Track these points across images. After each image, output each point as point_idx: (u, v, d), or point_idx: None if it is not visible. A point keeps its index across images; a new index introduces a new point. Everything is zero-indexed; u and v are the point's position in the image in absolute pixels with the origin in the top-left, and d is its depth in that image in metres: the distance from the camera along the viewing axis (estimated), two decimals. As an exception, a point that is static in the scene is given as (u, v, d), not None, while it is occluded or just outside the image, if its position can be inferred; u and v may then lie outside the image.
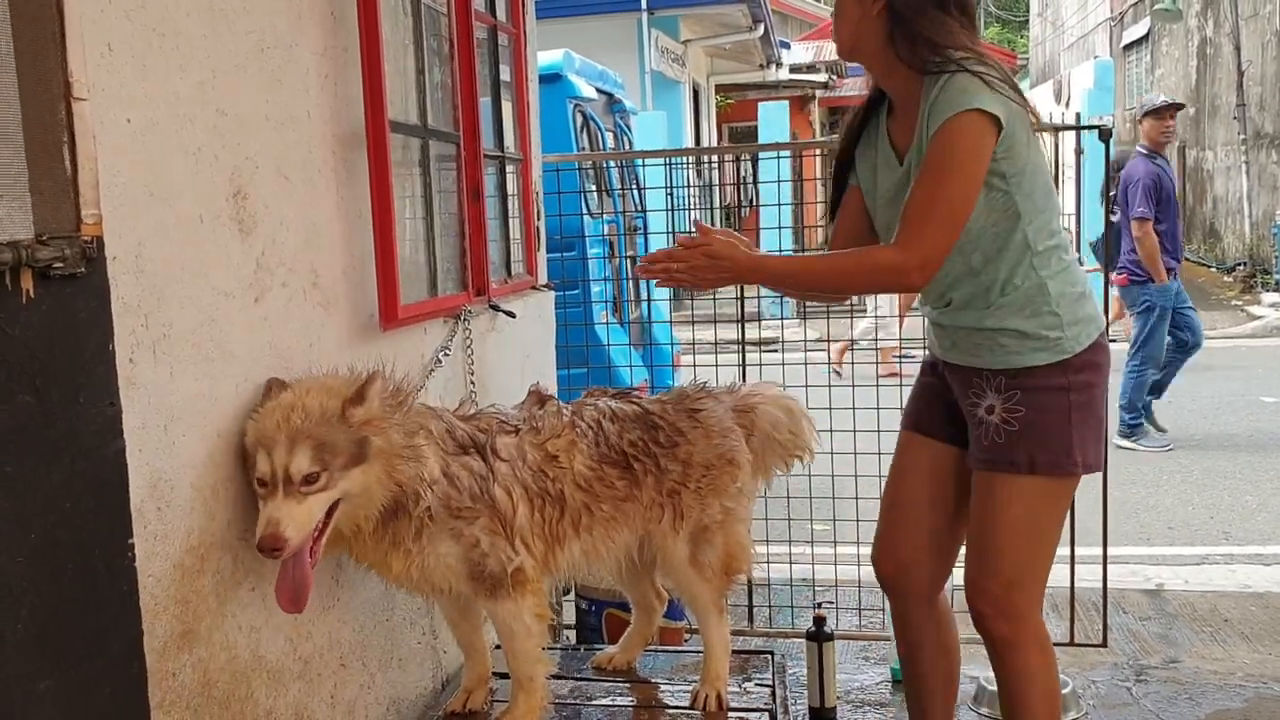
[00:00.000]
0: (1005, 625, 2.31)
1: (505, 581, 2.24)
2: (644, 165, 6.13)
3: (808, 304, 5.08)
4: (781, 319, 5.44)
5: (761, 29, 15.56)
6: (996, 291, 2.20)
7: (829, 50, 18.89)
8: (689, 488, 2.46)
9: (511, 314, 3.16)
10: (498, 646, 2.53)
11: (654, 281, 2.32)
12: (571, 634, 3.65)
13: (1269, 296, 13.28)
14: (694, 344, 4.47)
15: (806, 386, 3.43)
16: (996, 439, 2.24)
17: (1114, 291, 6.49)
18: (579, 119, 5.94)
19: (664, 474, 2.43)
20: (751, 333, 3.97)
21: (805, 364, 3.63)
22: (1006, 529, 2.26)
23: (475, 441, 2.24)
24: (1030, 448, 2.21)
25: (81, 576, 1.54)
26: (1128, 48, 19.80)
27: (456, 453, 2.20)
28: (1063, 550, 3.64)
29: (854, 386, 3.66)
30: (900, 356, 5.84)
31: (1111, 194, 9.06)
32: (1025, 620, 2.31)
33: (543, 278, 3.75)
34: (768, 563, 3.89)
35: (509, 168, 3.50)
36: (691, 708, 2.57)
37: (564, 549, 2.35)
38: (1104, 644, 3.69)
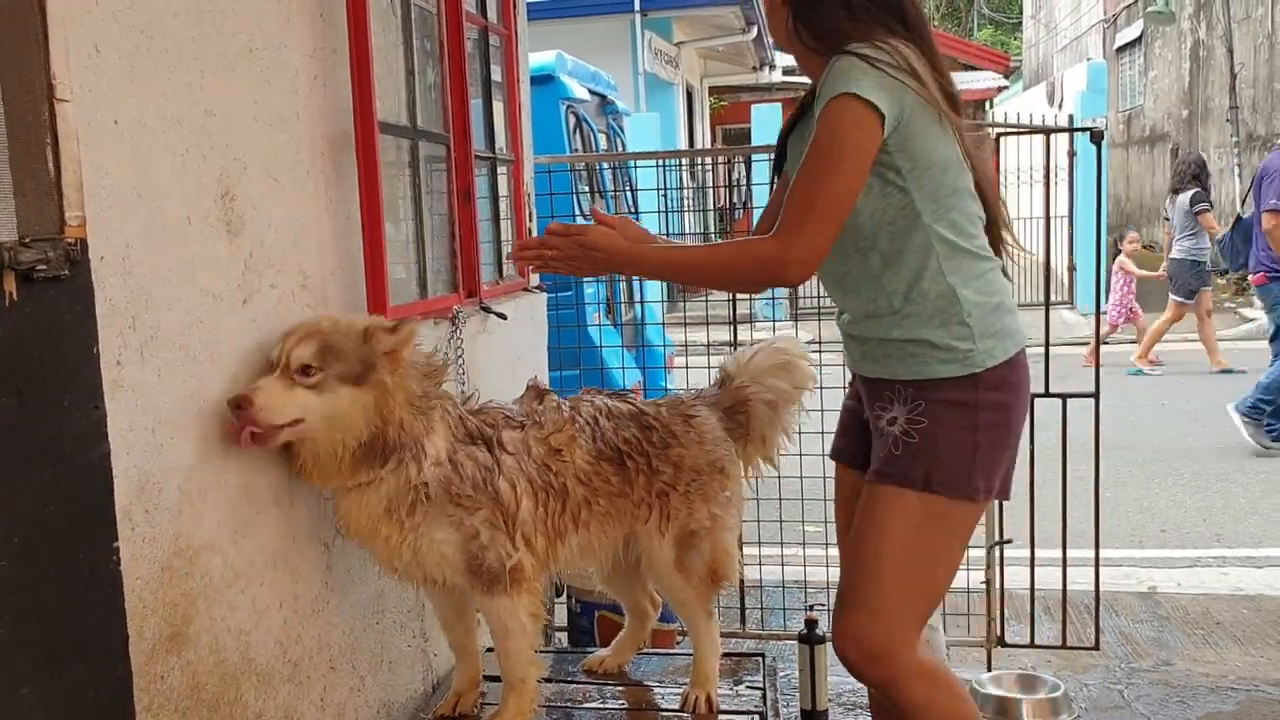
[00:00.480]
0: (878, 669, 2.09)
1: (503, 577, 2.24)
2: (637, 167, 6.13)
3: (799, 306, 5.08)
4: (774, 321, 5.45)
5: (754, 31, 15.56)
6: (900, 298, 2.03)
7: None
8: (678, 490, 2.46)
9: (503, 315, 3.15)
10: (489, 649, 2.53)
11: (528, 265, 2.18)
12: (563, 637, 3.65)
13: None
14: (686, 345, 4.47)
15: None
16: (894, 450, 2.05)
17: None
18: (571, 120, 5.94)
19: (655, 474, 2.44)
20: (744, 334, 3.96)
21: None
22: (884, 550, 2.05)
23: (483, 435, 2.26)
24: (928, 463, 2.01)
25: (65, 580, 1.53)
26: (1121, 50, 19.83)
27: (465, 441, 2.22)
28: (1054, 553, 3.67)
29: (844, 388, 3.65)
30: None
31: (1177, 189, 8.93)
32: (896, 659, 2.06)
33: (535, 279, 3.75)
34: (760, 564, 3.90)
35: (500, 169, 3.50)
36: (682, 710, 2.57)
37: (564, 543, 2.36)
38: (1096, 647, 3.69)
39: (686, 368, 4.02)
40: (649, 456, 2.44)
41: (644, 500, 2.44)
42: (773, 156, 2.34)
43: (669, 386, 5.44)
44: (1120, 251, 10.51)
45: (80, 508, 1.56)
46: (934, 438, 2.02)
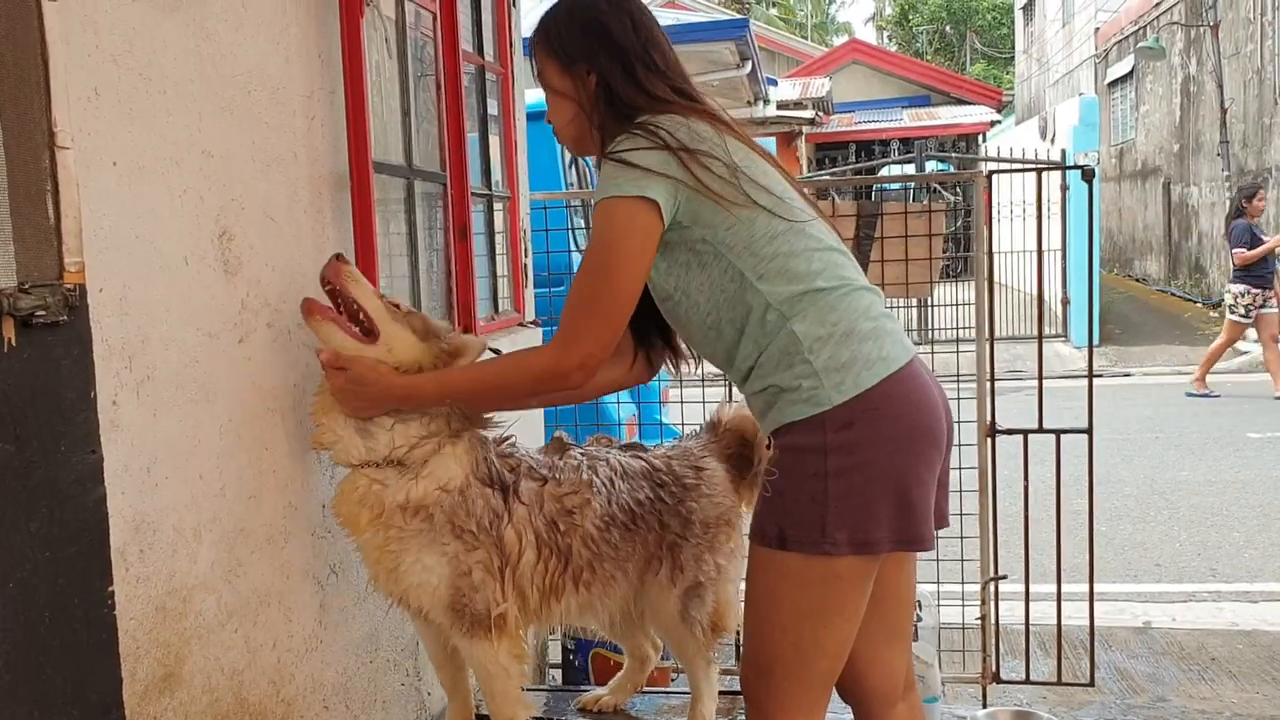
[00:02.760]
0: (753, 716, 2.00)
1: (485, 622, 2.23)
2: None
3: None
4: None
5: (749, 66, 15.65)
6: (754, 356, 1.92)
7: (816, 87, 19.03)
8: (689, 542, 2.46)
9: (497, 351, 3.15)
10: (482, 688, 2.52)
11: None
12: (557, 674, 3.63)
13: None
14: (681, 379, 4.46)
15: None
16: (758, 507, 1.95)
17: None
18: (567, 156, 5.96)
19: (666, 529, 2.44)
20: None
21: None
22: (752, 608, 1.96)
23: (501, 480, 2.26)
24: (779, 518, 1.87)
25: (60, 624, 1.53)
26: (1112, 85, 19.99)
27: (484, 482, 2.23)
28: (1049, 588, 3.66)
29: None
30: None
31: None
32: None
33: (530, 314, 3.76)
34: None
35: (497, 205, 3.52)
36: (677, 750, 2.56)
37: (560, 601, 2.35)
38: (1091, 683, 3.67)
39: (681, 401, 4.01)
40: (661, 514, 2.45)
41: (655, 554, 2.45)
42: None
43: (664, 421, 5.44)
44: None
45: (76, 551, 1.56)
46: (783, 490, 1.88)
